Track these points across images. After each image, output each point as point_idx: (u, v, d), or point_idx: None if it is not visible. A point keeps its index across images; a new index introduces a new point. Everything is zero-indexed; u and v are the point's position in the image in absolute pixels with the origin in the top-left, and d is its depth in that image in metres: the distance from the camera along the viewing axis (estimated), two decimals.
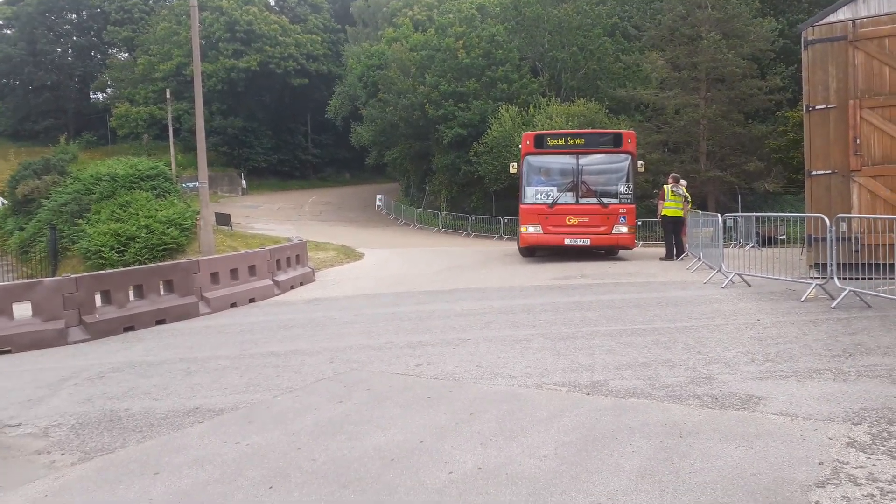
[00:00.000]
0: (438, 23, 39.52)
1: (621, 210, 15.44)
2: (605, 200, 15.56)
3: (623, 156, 15.75)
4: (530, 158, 16.16)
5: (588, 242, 15.48)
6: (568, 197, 15.78)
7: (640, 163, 16.53)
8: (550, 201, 15.66)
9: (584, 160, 15.84)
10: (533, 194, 15.94)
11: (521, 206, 16.09)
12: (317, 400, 5.60)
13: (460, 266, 17.00)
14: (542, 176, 16.28)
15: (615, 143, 15.99)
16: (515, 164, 16.49)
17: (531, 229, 15.75)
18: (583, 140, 16.26)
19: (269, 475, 4.05)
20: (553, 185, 16.04)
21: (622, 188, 15.74)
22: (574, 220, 15.49)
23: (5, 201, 37.08)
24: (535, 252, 17.02)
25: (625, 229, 15.48)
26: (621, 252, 16.80)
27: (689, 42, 29.02)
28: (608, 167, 16.09)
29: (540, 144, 16.19)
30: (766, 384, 5.34)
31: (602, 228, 15.45)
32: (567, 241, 15.53)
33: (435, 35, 37.96)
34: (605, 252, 16.66)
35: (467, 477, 3.85)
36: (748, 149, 29.43)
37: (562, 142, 16.30)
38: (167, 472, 4.22)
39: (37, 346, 8.85)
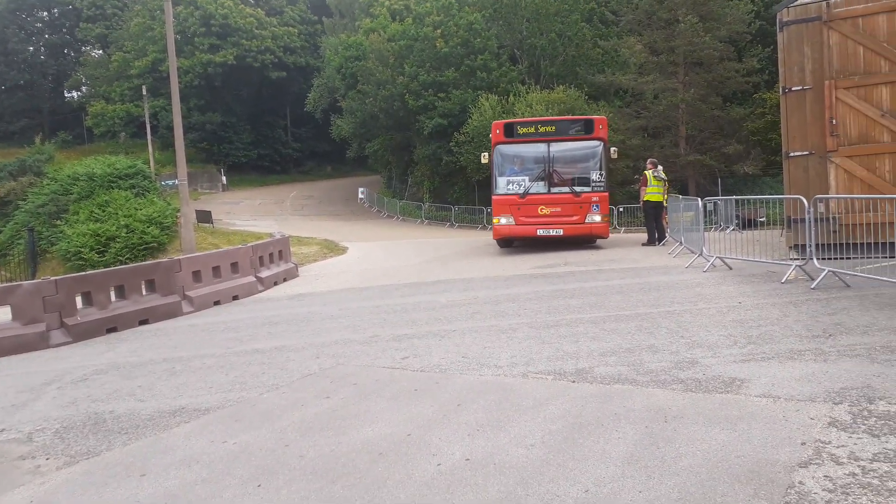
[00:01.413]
0: (416, 12, 39.28)
1: (594, 198, 15.23)
2: (578, 189, 15.39)
3: (595, 142, 15.55)
4: (501, 148, 15.94)
5: (561, 233, 15.26)
6: (540, 186, 15.58)
7: (612, 149, 16.38)
8: (522, 191, 15.49)
9: (555, 148, 15.64)
10: (504, 184, 15.76)
11: (493, 196, 15.94)
12: (303, 396, 5.59)
13: (444, 257, 17.01)
14: (513, 165, 16.10)
15: (586, 129, 15.77)
16: (487, 153, 16.20)
17: (503, 220, 15.59)
18: (553, 128, 15.98)
19: (256, 473, 4.04)
20: (524, 175, 15.85)
21: (595, 176, 15.52)
22: (546, 210, 15.30)
23: None
24: (512, 242, 16.87)
25: (598, 218, 15.23)
26: (600, 240, 16.59)
27: (667, 26, 29.08)
28: (580, 155, 15.88)
29: (510, 133, 15.93)
30: (749, 366, 5.40)
31: (575, 218, 15.22)
32: (539, 232, 15.36)
33: (413, 24, 37.75)
34: (582, 241, 16.37)
35: (456, 468, 3.87)
36: (727, 132, 29.61)
37: (532, 130, 16.03)
38: (154, 473, 4.20)
39: (18, 351, 8.75)
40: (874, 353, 5.49)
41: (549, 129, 15.89)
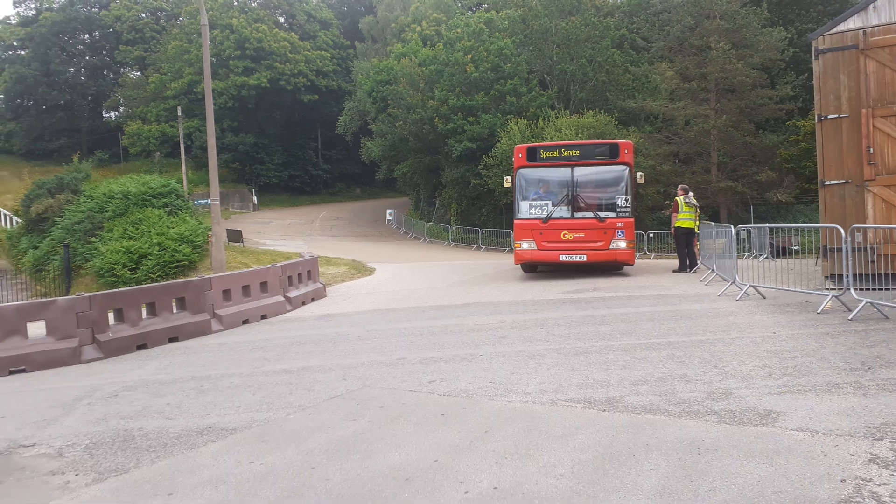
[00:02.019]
0: (447, 38, 39.69)
1: (619, 224, 14.74)
2: (602, 214, 14.94)
3: (620, 167, 15.07)
4: (523, 171, 15.63)
5: (584, 259, 14.79)
6: (563, 211, 15.17)
7: (639, 174, 15.93)
8: (545, 216, 15.13)
9: (579, 172, 15.25)
10: (527, 209, 15.45)
11: (515, 220, 15.58)
12: (330, 418, 5.57)
13: (472, 280, 16.96)
14: (536, 189, 15.76)
15: (611, 154, 15.28)
16: (509, 177, 15.81)
17: (525, 245, 15.23)
18: (577, 152, 15.63)
19: (283, 495, 4.02)
20: (547, 199, 15.47)
21: (620, 201, 15.02)
22: (569, 236, 14.91)
23: (19, 220, 37.37)
24: (536, 267, 16.61)
25: (623, 244, 14.70)
26: (629, 267, 16.13)
27: (698, 53, 29.01)
28: (605, 179, 15.49)
29: (533, 157, 15.63)
30: (785, 399, 5.26)
31: (599, 244, 14.75)
32: (562, 258, 14.95)
33: (443, 50, 38.13)
34: (607, 268, 15.99)
35: (483, 497, 3.81)
36: (759, 159, 29.32)
37: (555, 154, 15.67)
38: (181, 492, 4.20)
39: (51, 365, 8.88)
40: None
41: (572, 153, 15.60)
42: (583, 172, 15.30)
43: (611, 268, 15.86)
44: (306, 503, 3.89)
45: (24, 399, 7.19)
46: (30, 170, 55.93)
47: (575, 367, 6.74)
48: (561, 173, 15.38)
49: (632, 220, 14.96)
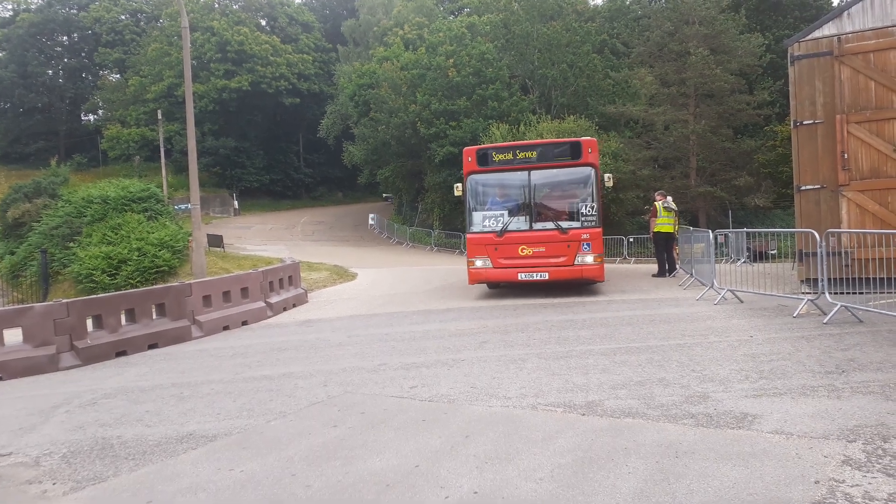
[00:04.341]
0: (429, 42, 39.78)
1: (584, 235, 12.71)
2: (565, 225, 12.93)
3: (584, 169, 13.05)
4: (474, 177, 13.59)
5: (546, 277, 12.84)
6: (520, 222, 13.20)
7: (607, 176, 14.03)
8: (499, 229, 13.11)
9: (537, 176, 13.27)
10: (480, 220, 13.45)
11: (468, 235, 13.61)
12: (311, 424, 5.57)
13: (454, 285, 17.00)
14: (489, 198, 13.78)
15: (573, 154, 13.17)
16: (460, 184, 13.87)
17: (479, 263, 13.23)
18: (535, 153, 13.41)
19: (263, 502, 4.01)
20: (502, 209, 13.47)
21: (585, 208, 12.97)
22: (528, 251, 12.95)
23: None
24: (498, 284, 14.52)
25: (590, 258, 12.70)
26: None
27: (678, 58, 29.32)
28: (567, 183, 13.56)
29: (484, 161, 13.56)
30: (761, 402, 5.34)
31: (562, 259, 12.79)
32: (521, 276, 12.97)
33: (425, 54, 38.21)
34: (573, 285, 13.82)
35: (463, 501, 3.83)
36: (738, 164, 29.68)
37: (510, 156, 13.47)
38: (160, 500, 4.18)
39: (28, 373, 8.78)
40: (889, 391, 5.43)
41: (529, 154, 13.43)
42: (541, 176, 13.39)
43: (577, 285, 13.85)
44: None
45: (0, 407, 7.10)
46: (6, 174, 55.25)
47: (555, 372, 6.79)
48: (517, 178, 13.45)
49: (599, 230, 12.98)
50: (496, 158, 13.59)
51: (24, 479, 4.80)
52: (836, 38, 11.56)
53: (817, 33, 11.82)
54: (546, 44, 35.80)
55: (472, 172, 13.59)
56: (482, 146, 14.60)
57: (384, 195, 57.28)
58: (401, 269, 23.62)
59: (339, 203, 64.97)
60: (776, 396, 5.46)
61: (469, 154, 13.75)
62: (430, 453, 4.65)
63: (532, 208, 13.26)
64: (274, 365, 8.31)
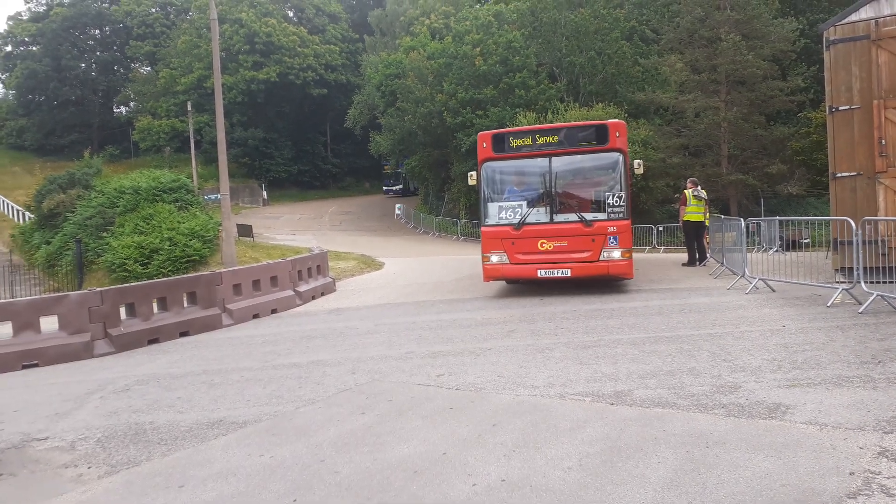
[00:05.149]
0: (455, 31, 39.61)
1: (610, 228, 11.61)
2: (589, 217, 11.77)
3: (611, 155, 11.87)
4: (490, 165, 12.42)
5: (568, 273, 11.67)
6: (539, 214, 12.03)
7: (637, 162, 12.92)
8: (517, 221, 12.01)
9: (559, 163, 12.10)
10: (495, 212, 12.32)
11: (482, 228, 12.48)
12: (339, 411, 5.61)
13: (480, 274, 16.90)
14: (505, 188, 12.69)
15: (599, 138, 11.94)
16: (474, 173, 12.67)
17: (494, 258, 12.13)
18: (556, 137, 12.14)
19: (292, 488, 4.05)
20: (520, 200, 12.36)
21: (612, 198, 11.80)
22: (548, 245, 11.84)
23: (32, 215, 37.67)
24: (517, 281, 13.47)
25: (617, 253, 11.55)
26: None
27: (709, 44, 28.81)
28: (592, 171, 12.39)
29: (500, 147, 12.32)
30: (794, 392, 5.25)
31: (586, 254, 11.62)
32: (541, 273, 11.84)
33: (452, 43, 38.05)
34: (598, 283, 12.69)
35: (491, 489, 3.83)
36: (770, 151, 29.13)
37: (528, 141, 12.25)
38: (192, 485, 4.24)
39: (63, 360, 8.96)
40: None
41: (550, 139, 12.19)
42: (564, 163, 12.23)
43: (603, 282, 12.60)
44: (315, 496, 3.92)
45: (36, 393, 7.27)
46: (41, 165, 56.21)
47: (583, 361, 6.74)
48: (536, 165, 12.31)
49: (627, 222, 11.76)
50: (513, 144, 12.42)
51: (59, 462, 4.91)
52: (873, 21, 11.25)
53: (854, 17, 11.51)
54: (574, 31, 35.41)
55: (486, 159, 12.47)
56: (498, 130, 13.35)
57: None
58: (427, 259, 23.66)
59: (366, 193, 65.21)
60: (810, 387, 5.37)
61: (484, 139, 12.58)
62: (458, 441, 4.65)
63: (553, 198, 12.08)
64: (303, 353, 8.38)
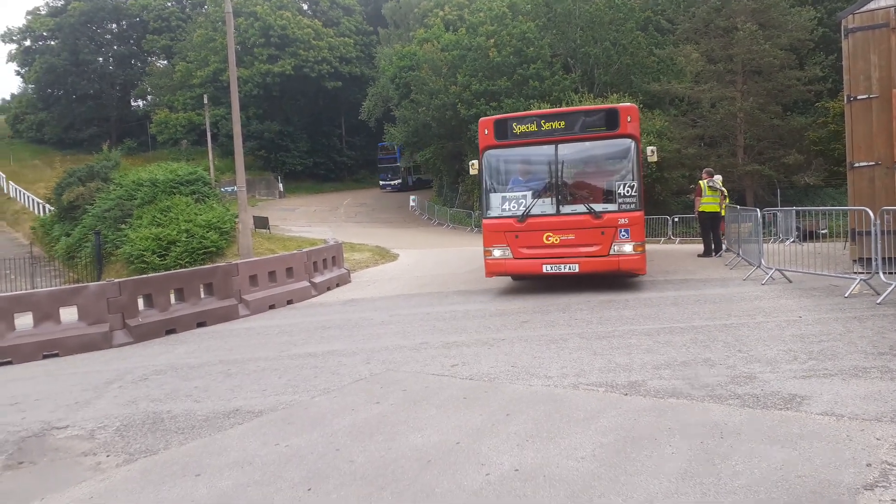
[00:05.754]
0: (469, 22, 39.47)
1: (621, 220, 10.76)
2: (598, 208, 10.94)
3: (622, 141, 10.98)
4: (492, 153, 11.64)
5: (576, 269, 10.90)
6: (545, 205, 11.24)
7: (650, 149, 11.83)
8: (521, 213, 11.22)
9: (565, 151, 11.25)
10: (497, 204, 11.55)
11: (484, 220, 11.74)
12: (354, 401, 5.64)
13: None
14: (509, 177, 11.92)
15: (609, 123, 11.03)
16: (476, 161, 11.95)
17: (497, 253, 11.37)
18: (563, 123, 11.28)
19: (307, 476, 4.09)
20: (524, 190, 11.49)
21: (623, 188, 10.93)
22: (555, 239, 11.02)
23: (52, 208, 38.10)
24: (523, 276, 12.52)
25: (629, 247, 10.73)
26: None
27: (724, 34, 28.51)
28: (601, 159, 11.50)
29: (503, 133, 11.47)
30: (810, 383, 5.22)
31: (595, 248, 10.83)
32: (546, 269, 11.07)
33: (466, 34, 37.93)
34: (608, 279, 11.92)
35: (504, 478, 3.85)
36: (787, 141, 28.83)
37: (533, 127, 11.32)
38: (209, 473, 4.30)
39: (83, 349, 9.08)
40: None
41: (556, 124, 11.31)
42: (571, 150, 11.40)
43: (614, 278, 11.86)
44: (331, 485, 3.96)
45: (57, 382, 7.38)
46: (61, 158, 56.87)
47: (597, 351, 6.74)
48: (541, 153, 11.49)
49: (639, 213, 10.91)
50: (517, 130, 11.50)
51: (79, 450, 4.98)
52: (892, 8, 11.07)
53: (872, 4, 11.33)
54: (588, 21, 35.17)
55: (488, 147, 11.67)
56: (500, 116, 12.44)
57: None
58: (441, 251, 23.68)
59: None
60: (826, 378, 5.33)
61: (485, 126, 11.71)
62: (471, 431, 4.67)
63: (559, 189, 11.30)
64: (318, 343, 8.44)
